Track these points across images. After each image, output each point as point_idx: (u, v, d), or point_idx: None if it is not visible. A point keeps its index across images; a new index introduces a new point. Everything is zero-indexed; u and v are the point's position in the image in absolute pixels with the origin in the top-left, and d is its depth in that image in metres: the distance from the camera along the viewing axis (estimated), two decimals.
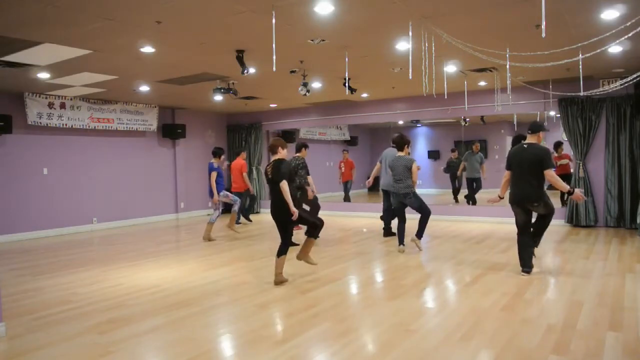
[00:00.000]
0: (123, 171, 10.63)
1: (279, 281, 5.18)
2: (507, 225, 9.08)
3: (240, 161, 9.82)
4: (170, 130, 11.38)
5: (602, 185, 8.62)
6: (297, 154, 7.42)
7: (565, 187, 5.17)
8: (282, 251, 5.18)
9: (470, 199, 10.88)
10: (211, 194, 8.08)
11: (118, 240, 8.60)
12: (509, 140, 12.86)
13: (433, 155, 13.36)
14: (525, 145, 5.26)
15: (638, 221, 7.72)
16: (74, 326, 4.00)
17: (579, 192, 5.15)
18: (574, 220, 8.73)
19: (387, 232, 8.13)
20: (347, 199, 12.29)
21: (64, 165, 9.58)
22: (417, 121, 12.13)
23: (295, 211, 4.94)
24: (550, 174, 5.09)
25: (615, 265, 5.63)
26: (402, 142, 6.69)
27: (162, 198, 11.54)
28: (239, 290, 5.01)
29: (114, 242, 8.40)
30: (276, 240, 8.04)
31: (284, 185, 4.91)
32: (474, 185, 10.99)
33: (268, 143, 12.54)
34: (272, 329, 3.92)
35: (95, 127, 9.81)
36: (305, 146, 7.52)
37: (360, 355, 3.26)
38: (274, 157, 5.19)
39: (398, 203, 6.71)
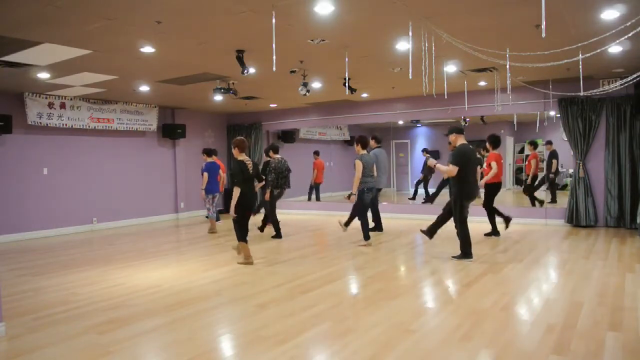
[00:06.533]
0: (123, 171, 10.63)
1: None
2: None
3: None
4: (170, 130, 11.37)
5: (602, 185, 8.61)
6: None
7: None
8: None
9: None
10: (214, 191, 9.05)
11: (118, 240, 8.59)
12: (509, 140, 12.90)
13: (433, 155, 13.34)
14: (471, 146, 6.02)
15: (638, 221, 7.72)
16: (74, 326, 4.00)
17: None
18: (573, 220, 8.72)
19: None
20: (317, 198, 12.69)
21: (64, 165, 9.57)
22: (417, 121, 12.13)
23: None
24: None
25: (615, 265, 5.63)
26: None
27: (162, 198, 11.53)
28: (239, 290, 5.01)
29: (114, 242, 8.40)
30: (276, 241, 8.10)
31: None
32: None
33: (268, 143, 12.60)
34: (272, 329, 3.91)
35: (95, 127, 9.80)
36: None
37: (360, 355, 3.26)
38: (244, 156, 6.00)
39: None
